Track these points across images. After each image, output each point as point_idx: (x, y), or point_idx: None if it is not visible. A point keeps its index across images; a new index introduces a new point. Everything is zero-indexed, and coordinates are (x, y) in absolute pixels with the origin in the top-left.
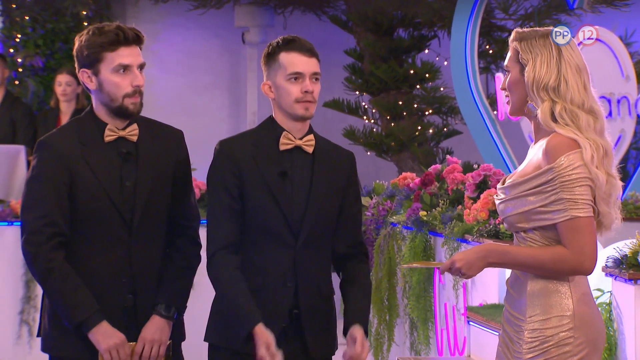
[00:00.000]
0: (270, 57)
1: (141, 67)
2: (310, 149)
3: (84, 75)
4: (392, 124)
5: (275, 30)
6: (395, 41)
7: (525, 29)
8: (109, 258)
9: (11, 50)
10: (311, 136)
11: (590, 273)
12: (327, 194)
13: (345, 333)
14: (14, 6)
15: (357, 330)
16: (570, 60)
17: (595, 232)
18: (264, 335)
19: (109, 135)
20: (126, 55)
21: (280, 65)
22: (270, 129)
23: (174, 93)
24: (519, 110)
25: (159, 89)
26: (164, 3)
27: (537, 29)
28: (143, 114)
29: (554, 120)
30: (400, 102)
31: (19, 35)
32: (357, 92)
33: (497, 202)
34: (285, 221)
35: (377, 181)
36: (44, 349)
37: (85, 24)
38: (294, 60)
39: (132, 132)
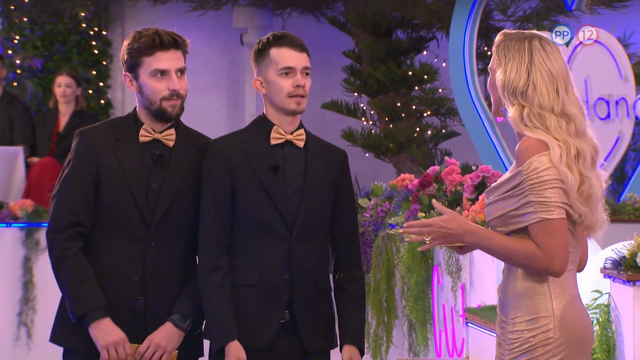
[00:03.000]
0: (261, 53)
1: (181, 71)
2: (301, 143)
3: (127, 79)
4: (391, 126)
5: (274, 32)
6: (394, 43)
7: (511, 31)
8: (124, 255)
9: (9, 52)
10: (302, 130)
11: (560, 275)
12: (321, 186)
13: (341, 348)
14: (12, 7)
15: (349, 352)
16: (541, 66)
17: (567, 234)
18: (237, 351)
19: (144, 136)
20: (163, 59)
21: (271, 61)
22: (260, 125)
23: None
24: (497, 111)
25: None
26: (163, 4)
27: (522, 31)
28: None
29: (524, 124)
30: (399, 104)
31: (18, 37)
32: (356, 94)
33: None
34: (279, 214)
35: (376, 182)
36: (53, 339)
37: (84, 25)
38: (284, 55)
39: (169, 136)
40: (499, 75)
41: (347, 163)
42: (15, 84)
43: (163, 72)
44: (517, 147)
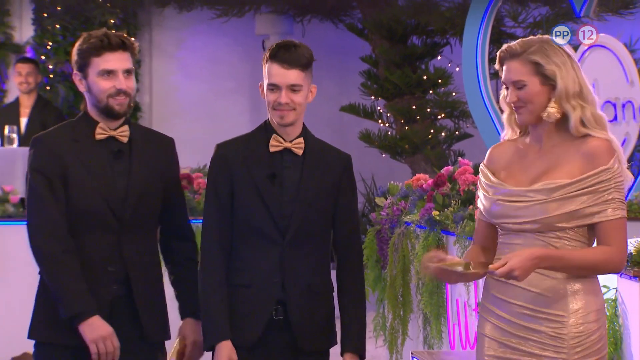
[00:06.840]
0: (264, 62)
1: (128, 72)
2: (299, 151)
3: (76, 78)
4: (406, 128)
5: (294, 38)
6: (409, 48)
7: (524, 40)
8: (100, 249)
9: (42, 58)
10: (300, 139)
11: (622, 270)
12: (317, 194)
13: (342, 354)
14: (45, 15)
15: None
16: (579, 67)
17: None
18: (230, 351)
19: (100, 134)
20: (110, 60)
21: (265, 74)
22: (263, 131)
23: (197, 98)
24: (537, 119)
25: (184, 94)
26: (188, 12)
27: (533, 38)
28: (169, 117)
29: (585, 125)
30: (414, 107)
31: (50, 43)
32: (373, 97)
33: (520, 204)
34: (273, 220)
35: (392, 182)
36: (31, 335)
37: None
38: (272, 72)
39: (123, 132)
40: (559, 82)
41: (349, 167)
42: (48, 88)
43: (110, 72)
44: (588, 145)
